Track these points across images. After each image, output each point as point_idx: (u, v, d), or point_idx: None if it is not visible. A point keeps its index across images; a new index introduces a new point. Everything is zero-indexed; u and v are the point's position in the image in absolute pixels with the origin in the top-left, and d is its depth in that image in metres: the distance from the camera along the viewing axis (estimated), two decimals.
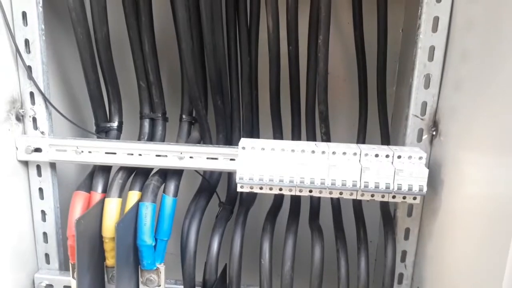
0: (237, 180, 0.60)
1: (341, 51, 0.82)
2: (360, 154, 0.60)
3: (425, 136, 0.64)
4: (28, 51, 0.67)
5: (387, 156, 0.59)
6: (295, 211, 0.73)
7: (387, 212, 0.70)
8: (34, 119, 0.70)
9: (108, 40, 0.70)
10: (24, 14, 0.65)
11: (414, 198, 0.60)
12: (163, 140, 0.79)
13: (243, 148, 0.61)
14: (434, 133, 0.64)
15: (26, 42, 0.66)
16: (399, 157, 0.59)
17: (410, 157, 0.59)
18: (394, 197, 0.60)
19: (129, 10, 0.71)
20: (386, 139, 0.77)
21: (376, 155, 0.59)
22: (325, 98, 0.70)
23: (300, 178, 0.59)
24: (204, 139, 0.77)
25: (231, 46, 0.75)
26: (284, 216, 0.73)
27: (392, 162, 0.59)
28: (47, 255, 0.75)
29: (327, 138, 0.75)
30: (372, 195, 0.60)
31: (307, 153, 0.60)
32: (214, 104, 0.74)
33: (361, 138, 0.78)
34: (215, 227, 0.70)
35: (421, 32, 0.61)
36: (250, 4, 0.72)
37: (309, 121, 0.77)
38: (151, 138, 0.79)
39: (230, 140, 0.79)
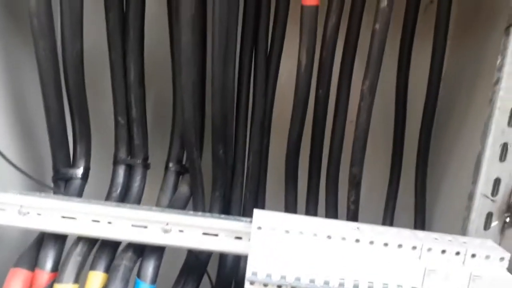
0: (249, 276, 0.42)
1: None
2: (422, 249, 0.43)
3: (494, 223, 0.49)
4: None
5: (457, 253, 0.43)
6: None
7: None
8: None
9: (81, 59, 0.52)
10: None
11: None
12: (141, 193, 0.62)
13: (259, 228, 0.44)
14: (508, 219, 0.48)
15: None
16: (473, 255, 0.43)
17: (487, 257, 0.43)
18: None
19: (113, 24, 0.54)
20: (421, 218, 0.62)
21: (443, 251, 0.43)
22: (362, 158, 0.54)
23: (339, 280, 0.42)
24: (195, 196, 0.60)
25: (242, 83, 0.58)
26: None
27: (463, 262, 0.43)
28: None
29: (355, 207, 0.59)
30: None
31: (349, 243, 0.43)
32: (214, 154, 0.57)
33: (389, 213, 0.64)
34: None
35: (502, 88, 0.47)
36: (273, 32, 0.56)
37: (330, 184, 0.61)
38: (126, 190, 0.61)
39: (228, 200, 0.62)
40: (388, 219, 0.64)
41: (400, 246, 0.43)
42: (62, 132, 0.55)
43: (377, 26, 0.47)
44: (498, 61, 0.47)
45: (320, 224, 0.45)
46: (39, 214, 0.49)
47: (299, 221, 0.45)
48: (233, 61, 0.53)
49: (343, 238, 0.43)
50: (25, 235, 0.65)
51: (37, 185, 0.65)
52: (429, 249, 0.43)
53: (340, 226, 0.45)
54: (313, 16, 0.48)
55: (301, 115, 0.55)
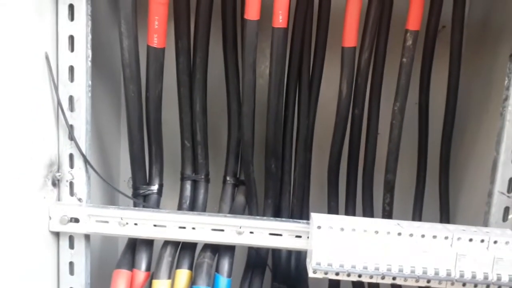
0: (313, 265, 0.53)
1: None
2: (452, 238, 0.53)
3: (511, 216, 0.59)
4: (72, 109, 0.59)
5: (482, 241, 0.53)
6: None
7: None
8: (71, 184, 0.62)
9: (161, 99, 0.63)
10: (71, 69, 0.58)
11: None
12: (205, 204, 0.72)
13: (319, 227, 0.54)
14: None
15: (71, 99, 0.59)
16: (495, 242, 0.53)
17: (507, 242, 0.53)
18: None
19: (182, 67, 0.65)
20: (445, 216, 0.72)
21: (470, 240, 0.53)
22: (395, 167, 0.65)
23: (386, 265, 0.52)
24: (250, 204, 0.70)
25: (289, 107, 0.69)
26: None
27: (487, 248, 0.53)
28: None
29: (390, 209, 0.70)
30: (464, 284, 0.53)
31: (393, 236, 0.54)
32: (266, 168, 0.67)
33: (417, 212, 0.73)
34: None
35: (510, 104, 0.57)
36: (313, 64, 0.67)
37: (366, 189, 0.71)
38: (193, 202, 0.71)
39: (278, 206, 0.72)
40: (417, 218, 0.74)
41: (434, 237, 0.53)
42: (142, 157, 0.65)
43: (404, 60, 0.58)
44: (506, 82, 0.58)
45: (368, 223, 0.55)
46: (135, 224, 0.60)
47: (350, 221, 0.55)
48: (283, 92, 0.64)
49: (388, 232, 0.54)
50: (104, 242, 0.76)
51: (113, 202, 0.77)
52: (459, 238, 0.53)
53: (384, 223, 0.55)
54: (352, 55, 0.59)
55: (342, 132, 0.65)
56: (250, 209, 0.71)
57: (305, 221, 0.61)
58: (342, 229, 0.54)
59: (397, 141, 0.63)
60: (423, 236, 0.53)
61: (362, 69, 0.63)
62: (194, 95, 0.66)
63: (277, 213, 0.72)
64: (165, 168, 0.69)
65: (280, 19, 0.54)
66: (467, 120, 0.73)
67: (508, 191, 0.59)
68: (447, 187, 0.72)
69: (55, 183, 0.61)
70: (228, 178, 0.73)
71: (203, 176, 0.72)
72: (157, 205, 0.68)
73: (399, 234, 0.54)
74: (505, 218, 0.59)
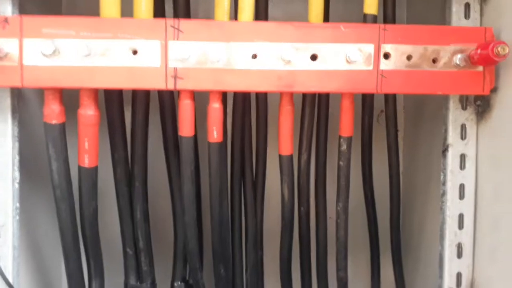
0: None
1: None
2: None
3: None
4: None
5: None
6: None
7: None
8: None
9: (96, 214, 0.60)
10: None
11: None
12: None
13: None
14: None
15: None
16: None
17: None
18: None
19: (120, 177, 0.63)
20: None
21: None
22: (346, 265, 0.64)
23: None
24: None
25: (235, 208, 0.68)
26: None
27: None
28: None
29: None
30: None
31: None
32: (215, 273, 0.65)
33: None
34: None
35: (448, 199, 0.58)
36: (256, 166, 0.67)
37: (321, 285, 0.69)
38: None
39: None
40: None
41: None
42: (79, 274, 0.60)
43: (341, 163, 0.59)
44: (442, 177, 0.59)
45: None
46: None
47: None
48: (226, 194, 0.63)
49: None
50: None
51: None
52: None
53: None
54: (289, 162, 0.60)
55: (289, 234, 0.64)
56: None
57: None
58: None
59: (344, 240, 0.62)
60: None
61: (303, 170, 0.63)
62: (134, 204, 0.64)
63: None
64: (111, 276, 0.65)
65: (215, 134, 0.54)
66: (413, 207, 0.74)
67: (457, 285, 0.58)
68: (402, 278, 0.71)
69: None
70: (176, 284, 0.69)
71: (148, 285, 0.67)
72: None
73: None
74: None
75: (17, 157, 0.55)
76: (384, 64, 0.54)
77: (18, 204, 0.56)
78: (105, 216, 0.65)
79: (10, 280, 0.55)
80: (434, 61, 0.54)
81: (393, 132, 0.67)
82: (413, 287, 0.73)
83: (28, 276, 0.64)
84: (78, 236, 0.59)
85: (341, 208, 0.61)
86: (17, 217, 0.56)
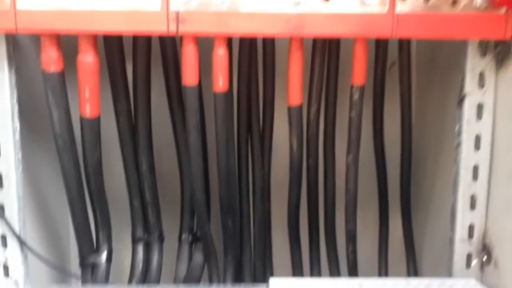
0: None
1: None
2: None
3: (474, 262, 0.57)
4: (0, 185, 0.54)
5: None
6: None
7: None
8: (6, 266, 0.56)
9: (100, 165, 0.59)
10: None
11: None
12: (160, 267, 0.68)
13: None
14: (485, 258, 0.57)
15: None
16: None
17: None
18: None
19: (123, 127, 0.61)
20: (412, 259, 0.70)
21: None
22: (355, 218, 0.63)
23: None
24: (210, 263, 0.66)
25: (242, 161, 0.66)
26: None
27: None
28: None
29: (353, 257, 0.68)
30: None
31: None
32: (223, 225, 0.64)
33: (383, 256, 0.71)
34: None
35: (463, 150, 0.56)
36: (263, 117, 0.65)
37: (329, 238, 0.69)
38: (147, 266, 0.67)
39: (239, 263, 0.69)
40: (383, 263, 0.72)
41: None
42: (86, 227, 0.61)
43: (352, 114, 0.56)
44: (456, 128, 0.56)
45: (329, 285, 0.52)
46: None
47: (311, 285, 0.52)
48: (233, 146, 0.61)
49: None
50: None
51: (61, 276, 0.71)
52: None
53: (346, 285, 0.52)
54: (298, 112, 0.57)
55: (297, 186, 0.63)
56: (209, 268, 0.67)
57: (265, 285, 0.58)
58: None
59: (353, 192, 0.61)
60: None
61: (312, 122, 0.61)
62: (139, 156, 0.63)
63: (238, 270, 0.68)
64: (119, 229, 0.65)
65: (221, 83, 0.52)
66: (425, 161, 0.72)
67: (469, 237, 0.57)
68: (410, 232, 0.70)
69: None
70: (183, 236, 0.69)
71: (156, 237, 0.68)
72: (106, 275, 0.63)
73: None
74: (468, 265, 0.58)
75: (16, 107, 0.53)
76: (400, 6, 0.50)
77: (20, 155, 0.55)
78: (110, 169, 0.64)
79: (17, 230, 0.55)
80: (454, 2, 0.51)
81: (406, 82, 0.65)
82: (421, 241, 0.73)
83: (35, 228, 0.64)
84: (83, 187, 0.59)
85: (351, 160, 0.59)
86: (20, 167, 0.55)
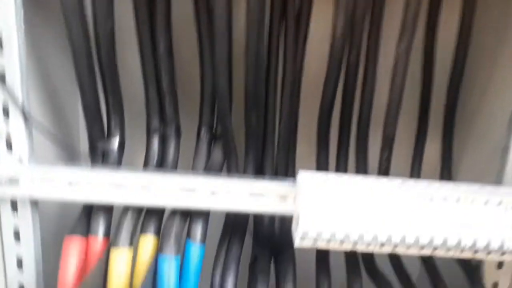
0: (300, 235, 0.45)
1: None
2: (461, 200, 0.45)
3: None
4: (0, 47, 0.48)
5: (499, 203, 0.45)
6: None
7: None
8: (8, 140, 0.51)
9: (113, 37, 0.52)
10: None
11: None
12: (176, 161, 0.63)
13: (307, 188, 0.45)
14: None
15: None
16: None
17: None
18: None
19: (139, 4, 0.53)
20: (447, 171, 0.64)
21: (486, 203, 0.45)
22: (396, 121, 0.56)
23: (386, 233, 0.44)
24: (229, 161, 0.61)
25: (272, 49, 0.58)
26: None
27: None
28: None
29: (387, 165, 0.61)
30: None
31: (394, 197, 0.45)
32: (247, 120, 0.58)
33: (416, 167, 0.65)
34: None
35: None
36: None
37: (361, 143, 0.62)
38: (162, 159, 0.62)
39: (261, 163, 0.63)
40: (415, 175, 0.66)
41: (445, 199, 0.45)
42: (96, 108, 0.55)
43: None
44: None
45: (367, 182, 0.46)
46: (88, 186, 0.50)
47: (346, 180, 0.46)
48: (264, 31, 0.53)
49: (388, 193, 0.45)
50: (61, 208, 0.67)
51: (69, 157, 0.66)
52: (473, 201, 0.45)
53: (385, 183, 0.47)
54: None
55: (335, 76, 0.55)
56: (228, 166, 0.62)
57: (291, 179, 0.52)
58: (335, 190, 0.45)
59: (400, 88, 0.53)
60: (431, 199, 0.45)
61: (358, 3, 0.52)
62: (157, 34, 0.55)
63: (259, 171, 0.63)
64: (132, 122, 0.59)
65: None
66: (478, 64, 0.63)
67: None
68: (451, 142, 0.63)
69: None
70: (202, 131, 0.63)
71: (172, 129, 0.62)
72: (117, 164, 0.58)
73: (404, 195, 0.45)
74: None
75: None
76: None
77: (22, 12, 0.47)
78: (123, 53, 0.57)
79: (20, 100, 0.49)
80: None
81: None
82: (461, 157, 0.66)
83: (41, 104, 0.58)
84: (93, 62, 0.52)
85: (402, 50, 0.50)
86: (22, 26, 0.48)
